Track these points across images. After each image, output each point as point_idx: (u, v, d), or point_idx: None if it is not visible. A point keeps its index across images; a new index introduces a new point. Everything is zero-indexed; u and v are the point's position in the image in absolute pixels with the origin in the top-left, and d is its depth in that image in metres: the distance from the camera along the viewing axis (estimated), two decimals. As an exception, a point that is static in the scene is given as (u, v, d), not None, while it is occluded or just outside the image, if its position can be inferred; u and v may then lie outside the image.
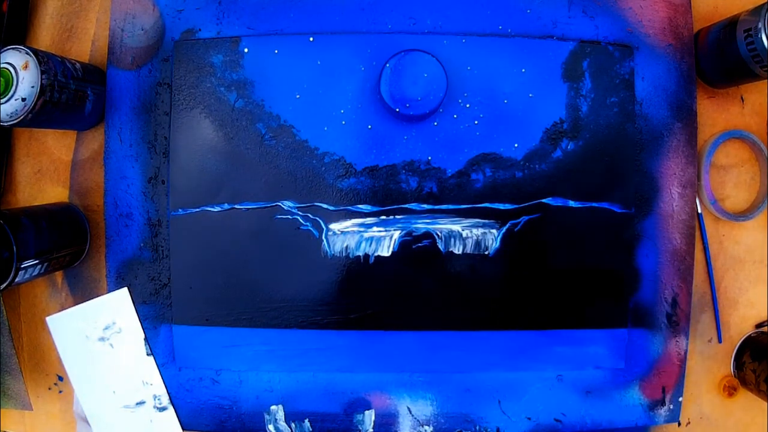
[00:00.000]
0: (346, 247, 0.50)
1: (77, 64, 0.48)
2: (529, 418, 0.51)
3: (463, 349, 0.51)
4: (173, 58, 0.51)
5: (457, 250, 0.50)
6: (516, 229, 0.50)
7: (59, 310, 0.52)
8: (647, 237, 0.51)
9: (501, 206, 0.50)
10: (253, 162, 0.50)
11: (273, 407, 0.51)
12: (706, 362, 0.53)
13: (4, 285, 0.44)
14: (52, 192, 0.53)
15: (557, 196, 0.50)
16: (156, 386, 0.51)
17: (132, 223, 0.51)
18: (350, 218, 0.50)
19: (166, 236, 0.51)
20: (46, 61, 0.43)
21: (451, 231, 0.50)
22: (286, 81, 0.50)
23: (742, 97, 0.53)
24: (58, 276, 0.53)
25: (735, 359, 0.53)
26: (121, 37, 0.51)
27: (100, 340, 0.51)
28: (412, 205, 0.50)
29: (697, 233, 0.52)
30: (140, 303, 0.51)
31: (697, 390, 0.53)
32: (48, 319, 0.51)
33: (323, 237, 0.50)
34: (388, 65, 0.48)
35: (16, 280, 0.44)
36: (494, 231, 0.50)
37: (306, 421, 0.51)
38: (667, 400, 0.52)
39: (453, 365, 0.51)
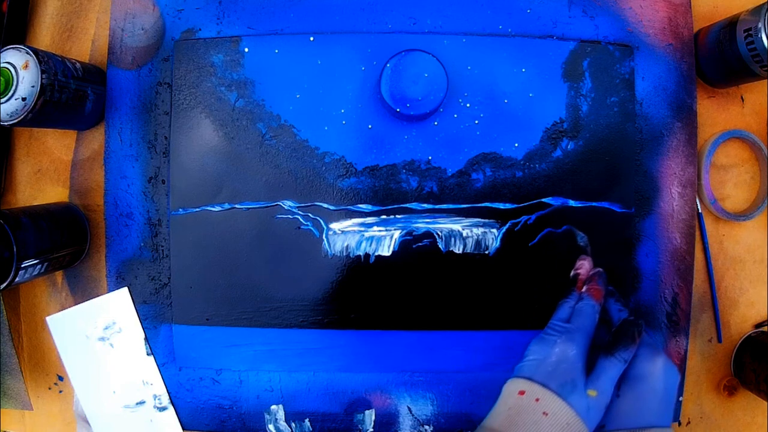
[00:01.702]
0: (347, 246, 0.50)
1: (77, 63, 0.48)
2: (530, 418, 0.51)
3: (463, 349, 0.51)
4: (173, 58, 0.51)
5: (458, 249, 0.50)
6: (516, 229, 0.50)
7: (59, 310, 0.52)
8: (647, 237, 0.51)
9: (501, 206, 0.50)
10: (253, 162, 0.50)
11: (273, 407, 0.51)
12: (706, 362, 0.53)
13: (4, 285, 0.43)
14: (52, 192, 0.53)
15: (557, 196, 0.50)
16: (156, 386, 0.51)
17: (132, 223, 0.51)
18: (351, 218, 0.50)
19: (166, 236, 0.51)
20: (46, 60, 0.43)
21: (452, 230, 0.50)
22: (287, 81, 0.50)
23: (742, 97, 0.53)
24: (58, 276, 0.53)
25: (735, 359, 0.53)
26: (121, 37, 0.51)
27: (100, 340, 0.51)
28: (413, 205, 0.50)
29: (697, 233, 0.52)
30: (140, 303, 0.51)
31: (697, 390, 0.53)
32: (48, 319, 0.51)
33: (324, 236, 0.50)
34: (388, 65, 0.48)
35: (16, 279, 0.44)
36: (494, 230, 0.50)
37: (306, 420, 0.51)
38: (667, 399, 0.51)
39: (453, 365, 0.51)
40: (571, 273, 0.46)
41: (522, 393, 0.38)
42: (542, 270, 0.50)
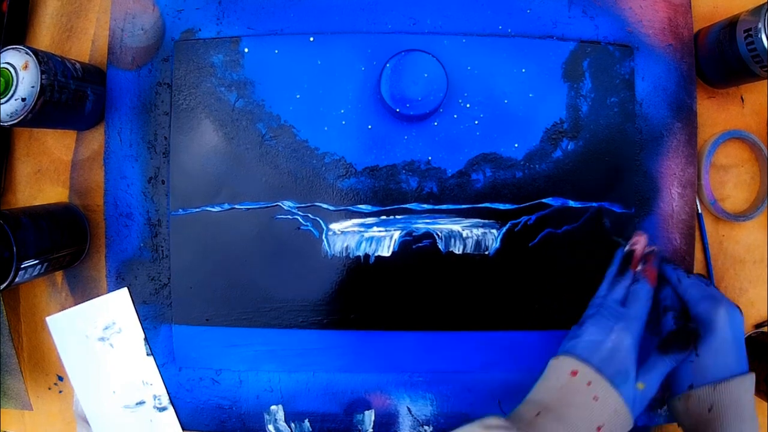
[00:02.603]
0: (347, 247, 0.50)
1: (77, 64, 0.48)
2: (529, 418, 0.51)
3: (463, 349, 0.51)
4: (173, 58, 0.51)
5: (458, 250, 0.50)
6: (516, 229, 0.50)
7: (59, 310, 0.52)
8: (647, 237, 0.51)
9: (501, 206, 0.50)
10: (253, 162, 0.50)
11: (273, 407, 0.51)
12: (706, 362, 0.53)
13: (4, 285, 0.44)
14: (52, 192, 0.53)
15: (557, 196, 0.50)
16: (156, 386, 0.51)
17: (132, 223, 0.51)
18: (350, 218, 0.50)
19: (166, 236, 0.51)
20: (46, 61, 0.43)
21: (452, 231, 0.50)
22: (287, 81, 0.50)
23: (742, 97, 0.53)
24: (58, 276, 0.53)
25: (735, 359, 0.53)
26: (121, 37, 0.51)
27: (100, 340, 0.51)
28: (413, 205, 0.50)
29: (697, 233, 0.52)
30: (140, 303, 0.51)
31: (697, 390, 0.53)
32: (48, 319, 0.51)
33: (323, 237, 0.50)
34: (388, 65, 0.48)
35: (16, 280, 0.44)
36: (494, 231, 0.50)
37: (306, 421, 0.51)
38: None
39: (453, 365, 0.51)
40: (626, 248, 0.45)
41: (574, 373, 0.39)
42: (542, 270, 0.50)
